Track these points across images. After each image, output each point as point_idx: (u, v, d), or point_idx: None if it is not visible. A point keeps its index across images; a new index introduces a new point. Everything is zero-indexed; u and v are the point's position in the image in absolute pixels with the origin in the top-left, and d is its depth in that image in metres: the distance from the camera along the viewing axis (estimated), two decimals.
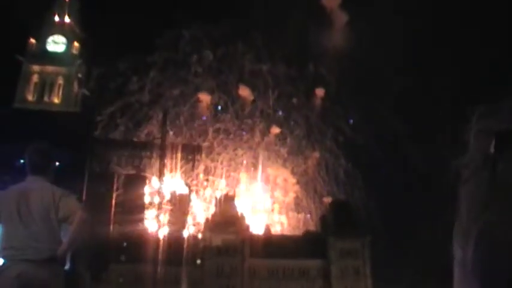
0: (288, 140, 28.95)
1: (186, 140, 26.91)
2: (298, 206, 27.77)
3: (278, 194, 28.05)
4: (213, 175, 26.79)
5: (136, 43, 27.50)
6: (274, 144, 28.68)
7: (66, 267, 3.93)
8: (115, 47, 27.16)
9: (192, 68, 28.90)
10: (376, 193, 22.43)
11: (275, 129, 28.78)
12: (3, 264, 3.71)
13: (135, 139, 27.30)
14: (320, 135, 28.55)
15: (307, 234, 20.80)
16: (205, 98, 28.53)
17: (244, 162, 27.94)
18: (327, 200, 25.35)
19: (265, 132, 28.78)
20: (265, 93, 29.27)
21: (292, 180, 28.13)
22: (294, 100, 29.22)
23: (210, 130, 27.86)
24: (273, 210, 27.41)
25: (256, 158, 28.25)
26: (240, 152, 28.18)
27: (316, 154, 28.30)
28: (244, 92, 28.93)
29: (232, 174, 27.31)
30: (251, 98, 29.00)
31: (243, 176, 27.45)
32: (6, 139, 22.13)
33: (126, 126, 27.64)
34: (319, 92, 28.52)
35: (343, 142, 27.68)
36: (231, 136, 28.37)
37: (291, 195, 27.94)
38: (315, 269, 19.02)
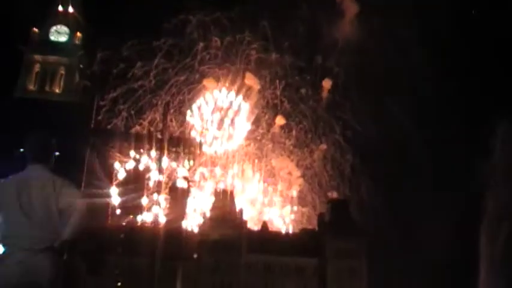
0: (294, 132, 28.37)
1: (188, 130, 26.54)
2: (302, 200, 27.10)
3: (282, 187, 27.49)
4: (215, 166, 26.41)
5: (142, 28, 26.76)
6: (280, 136, 28.13)
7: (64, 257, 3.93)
8: (120, 32, 26.62)
9: (199, 56, 28.36)
10: (382, 191, 22.08)
11: (281, 120, 28.15)
12: (4, 252, 3.72)
13: (135, 129, 26.96)
14: (327, 128, 28.05)
15: (304, 232, 20.82)
16: (211, 85, 27.99)
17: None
18: (332, 194, 25.11)
19: (271, 123, 28.31)
20: (272, 83, 28.77)
21: (297, 173, 27.55)
22: (302, 91, 28.56)
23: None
24: (275, 204, 26.99)
25: (260, 149, 27.85)
26: (244, 142, 27.82)
27: (323, 146, 27.80)
28: (251, 80, 28.31)
29: (235, 165, 26.79)
30: (257, 87, 28.42)
31: (247, 168, 26.94)
32: (7, 128, 22.12)
33: (129, 112, 27.27)
34: (326, 83, 27.90)
35: (351, 136, 27.16)
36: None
37: (295, 189, 27.31)
38: (311, 267, 19.04)
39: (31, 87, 31.57)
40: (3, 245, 3.79)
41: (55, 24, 32.98)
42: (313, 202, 26.65)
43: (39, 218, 3.66)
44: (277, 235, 21.75)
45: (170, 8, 26.93)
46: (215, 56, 28.64)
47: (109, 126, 26.93)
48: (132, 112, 27.20)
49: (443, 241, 17.20)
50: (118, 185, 23.79)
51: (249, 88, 28.29)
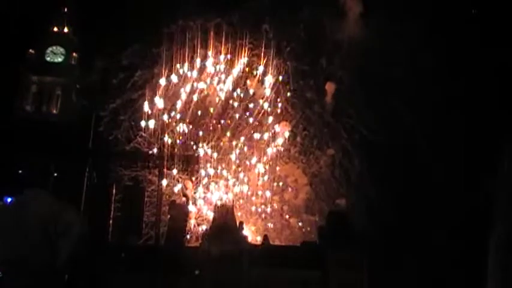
0: (300, 138, 27.58)
1: (191, 141, 25.83)
2: (309, 208, 26.37)
3: (288, 195, 26.68)
4: (219, 177, 25.91)
5: (141, 37, 26.29)
6: (285, 142, 27.23)
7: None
8: (118, 40, 26.21)
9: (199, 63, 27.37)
10: (391, 197, 21.49)
11: (286, 126, 27.30)
12: (2, 277, 3.74)
13: (135, 141, 26.60)
14: (333, 133, 27.11)
15: (305, 245, 20.79)
16: (213, 91, 27.14)
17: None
18: (340, 202, 24.29)
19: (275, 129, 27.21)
20: (275, 88, 27.79)
21: (304, 180, 26.83)
22: (307, 95, 27.65)
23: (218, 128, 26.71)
24: (282, 213, 26.54)
25: (265, 156, 26.95)
26: (248, 151, 26.99)
27: (331, 151, 26.96)
28: (253, 85, 27.52)
29: (240, 175, 26.22)
30: (261, 92, 27.53)
31: (252, 176, 26.31)
32: (4, 149, 22.16)
33: (130, 123, 26.78)
34: (330, 87, 26.88)
35: (358, 141, 26.09)
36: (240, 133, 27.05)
37: (302, 197, 26.57)
38: (313, 280, 19.01)
39: (28, 108, 31.69)
40: (2, 270, 3.82)
41: (51, 45, 33.13)
42: (321, 210, 25.75)
43: (38, 242, 3.70)
44: (278, 248, 21.70)
45: (170, 13, 26.35)
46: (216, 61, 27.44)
47: (110, 137, 26.64)
48: (133, 123, 26.75)
49: (452, 251, 16.87)
50: (118, 204, 23.75)
51: (253, 95, 27.41)
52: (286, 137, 27.14)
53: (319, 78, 27.37)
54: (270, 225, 25.69)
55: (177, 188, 24.51)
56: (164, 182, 23.84)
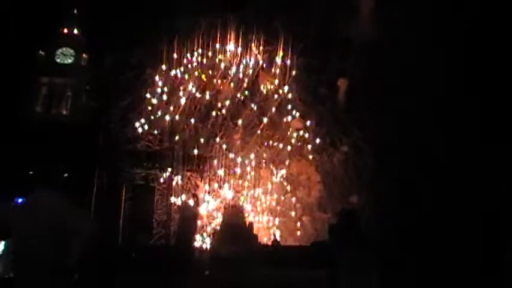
0: (312, 135, 26.62)
1: (203, 137, 25.52)
2: (321, 206, 25.59)
3: (301, 193, 25.96)
4: (229, 176, 25.63)
5: (150, 34, 25.91)
6: (297, 140, 26.47)
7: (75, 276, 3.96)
8: (127, 37, 25.94)
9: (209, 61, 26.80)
10: (403, 197, 21.00)
11: (298, 124, 26.63)
12: (15, 276, 3.76)
13: (146, 139, 26.43)
14: (346, 130, 26.32)
15: (315, 245, 20.70)
16: (224, 87, 26.66)
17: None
18: (353, 199, 24.18)
19: (287, 127, 26.58)
20: (287, 84, 26.82)
21: (316, 178, 26.13)
22: (320, 91, 26.82)
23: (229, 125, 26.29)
24: (295, 211, 26.03)
25: (277, 154, 26.27)
26: (260, 148, 26.19)
27: (344, 148, 26.23)
28: (264, 80, 26.85)
29: (251, 173, 25.81)
30: (272, 87, 26.91)
31: (264, 174, 25.86)
32: (15, 151, 22.28)
33: (140, 121, 26.46)
34: (342, 83, 26.10)
35: (371, 138, 25.17)
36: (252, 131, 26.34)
37: (315, 195, 25.85)
38: (323, 279, 18.91)
39: (38, 109, 31.89)
40: (15, 269, 3.83)
41: (60, 46, 33.34)
42: (334, 208, 24.57)
43: (49, 241, 3.70)
44: (288, 248, 21.62)
45: (178, 10, 26.01)
46: (227, 57, 26.72)
47: (120, 135, 26.39)
48: (143, 121, 26.53)
49: (467, 252, 16.51)
50: (128, 203, 23.82)
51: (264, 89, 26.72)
52: (300, 134, 26.66)
53: (332, 74, 26.47)
54: (275, 222, 25.24)
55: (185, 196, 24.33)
56: (178, 179, 23.75)
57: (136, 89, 26.41)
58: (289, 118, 26.41)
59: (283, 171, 25.99)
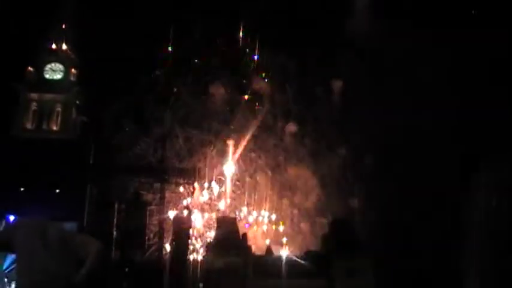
0: (307, 138, 26.51)
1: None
2: (320, 210, 25.14)
3: (298, 198, 25.78)
4: (223, 186, 25.16)
5: (145, 38, 25.64)
6: (293, 143, 26.33)
7: None
8: (120, 42, 25.68)
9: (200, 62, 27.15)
10: (403, 197, 20.58)
11: (293, 127, 26.36)
12: None
13: (137, 150, 26.18)
14: (343, 132, 25.64)
15: (309, 254, 20.65)
16: (218, 90, 26.44)
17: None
18: (353, 202, 23.51)
19: (282, 130, 26.46)
20: (281, 87, 26.88)
21: (313, 182, 25.71)
22: (317, 91, 26.41)
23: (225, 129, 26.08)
24: (293, 218, 25.77)
25: (273, 159, 26.27)
26: (254, 154, 26.31)
27: (341, 150, 25.65)
28: (258, 84, 26.65)
29: (246, 179, 25.45)
30: (266, 90, 26.66)
31: (260, 179, 25.50)
32: (6, 167, 22.18)
33: (132, 127, 26.17)
34: (336, 84, 25.69)
35: (369, 140, 23.70)
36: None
37: (313, 199, 25.50)
38: None
39: (28, 126, 31.76)
40: (20, 286, 3.84)
41: (49, 62, 33.26)
42: (334, 211, 23.82)
43: (57, 260, 3.72)
44: (281, 258, 21.54)
45: (172, 16, 25.75)
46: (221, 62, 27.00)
47: (113, 141, 26.08)
48: (135, 128, 26.19)
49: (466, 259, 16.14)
50: (120, 217, 23.70)
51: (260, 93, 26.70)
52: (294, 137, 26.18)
53: (327, 76, 26.14)
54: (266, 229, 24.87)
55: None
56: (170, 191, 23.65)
57: (128, 95, 26.06)
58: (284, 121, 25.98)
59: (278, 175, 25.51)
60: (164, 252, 22.11)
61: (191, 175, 24.29)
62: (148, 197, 25.02)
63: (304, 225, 25.45)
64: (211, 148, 25.80)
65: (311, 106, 26.76)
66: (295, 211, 25.83)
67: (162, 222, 23.11)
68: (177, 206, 24.66)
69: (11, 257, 9.75)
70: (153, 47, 26.80)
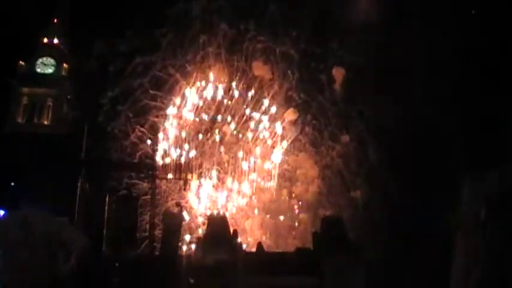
0: (308, 127, 25.38)
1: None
2: (321, 202, 24.30)
3: (298, 189, 24.70)
4: (223, 172, 24.57)
5: (140, 21, 24.98)
6: (294, 132, 25.20)
7: None
8: (116, 23, 25.06)
9: (200, 47, 25.76)
10: (409, 189, 20.04)
11: (293, 114, 25.30)
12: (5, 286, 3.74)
13: (132, 139, 25.79)
14: (347, 121, 24.88)
15: (300, 251, 20.66)
16: (218, 76, 25.31)
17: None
18: (356, 194, 23.36)
19: (283, 118, 25.21)
20: (284, 74, 25.64)
21: (315, 173, 24.82)
22: (321, 77, 25.28)
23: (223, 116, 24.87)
24: (294, 209, 25.34)
25: (272, 148, 24.89)
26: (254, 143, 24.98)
27: (346, 138, 24.76)
28: (260, 70, 25.52)
29: (244, 169, 24.72)
30: (268, 76, 25.58)
31: (258, 169, 24.76)
32: None
33: (128, 114, 25.52)
34: (339, 72, 24.79)
35: (373, 129, 23.92)
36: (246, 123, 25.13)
37: (313, 190, 24.52)
38: (310, 286, 18.88)
39: (19, 120, 31.63)
40: (5, 284, 3.81)
41: (41, 56, 33.11)
42: (336, 204, 23.91)
43: (42, 255, 3.69)
44: (273, 256, 21.55)
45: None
46: (219, 47, 25.57)
47: (109, 128, 25.48)
48: (130, 115, 25.58)
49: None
50: (111, 211, 23.64)
51: (261, 79, 25.39)
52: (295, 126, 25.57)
53: (329, 63, 25.32)
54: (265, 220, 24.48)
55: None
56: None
57: (125, 80, 25.41)
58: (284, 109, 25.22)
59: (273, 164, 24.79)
60: (156, 247, 22.06)
61: (185, 167, 24.06)
62: (141, 191, 24.92)
63: (303, 217, 24.82)
64: (207, 137, 25.34)
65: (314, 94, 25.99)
66: (294, 202, 25.18)
67: (153, 217, 23.03)
68: (170, 200, 24.61)
69: None
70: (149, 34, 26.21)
